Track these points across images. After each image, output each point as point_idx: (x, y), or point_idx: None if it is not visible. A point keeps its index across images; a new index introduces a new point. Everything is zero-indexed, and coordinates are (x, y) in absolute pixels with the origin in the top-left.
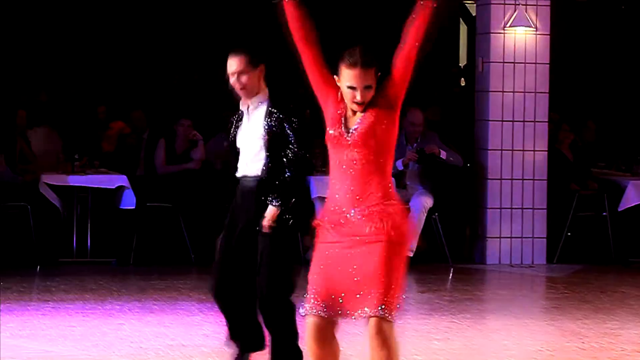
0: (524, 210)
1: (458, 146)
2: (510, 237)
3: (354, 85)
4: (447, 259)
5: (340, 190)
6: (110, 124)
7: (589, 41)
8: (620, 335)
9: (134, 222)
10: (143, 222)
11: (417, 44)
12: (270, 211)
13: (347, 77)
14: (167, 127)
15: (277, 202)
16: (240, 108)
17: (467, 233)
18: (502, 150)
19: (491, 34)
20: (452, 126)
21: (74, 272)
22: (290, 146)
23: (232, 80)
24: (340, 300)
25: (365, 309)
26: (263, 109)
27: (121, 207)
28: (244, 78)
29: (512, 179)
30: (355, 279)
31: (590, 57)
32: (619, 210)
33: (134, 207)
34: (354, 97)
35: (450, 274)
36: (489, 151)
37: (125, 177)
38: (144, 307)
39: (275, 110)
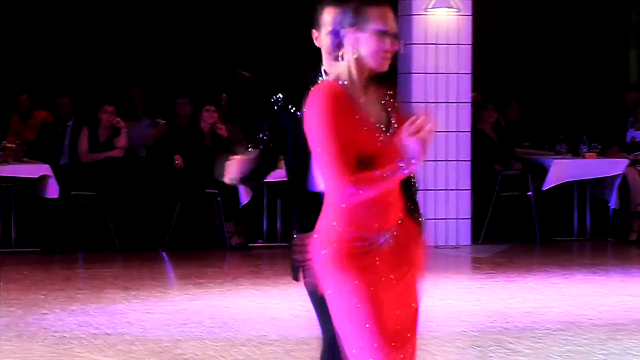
0: (448, 191)
1: None
2: (435, 219)
3: (386, 28)
4: None
5: (364, 211)
6: (33, 113)
7: (511, 21)
8: (545, 314)
9: (58, 211)
10: (67, 211)
11: None
12: None
13: (375, 17)
14: (91, 115)
15: None
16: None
17: None
18: None
19: (413, 16)
20: None
21: None
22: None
23: None
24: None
25: None
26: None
27: (45, 197)
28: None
29: (435, 161)
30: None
31: (513, 37)
32: (543, 189)
33: (57, 197)
34: (383, 46)
35: None
36: None
37: (48, 166)
38: (68, 296)
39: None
